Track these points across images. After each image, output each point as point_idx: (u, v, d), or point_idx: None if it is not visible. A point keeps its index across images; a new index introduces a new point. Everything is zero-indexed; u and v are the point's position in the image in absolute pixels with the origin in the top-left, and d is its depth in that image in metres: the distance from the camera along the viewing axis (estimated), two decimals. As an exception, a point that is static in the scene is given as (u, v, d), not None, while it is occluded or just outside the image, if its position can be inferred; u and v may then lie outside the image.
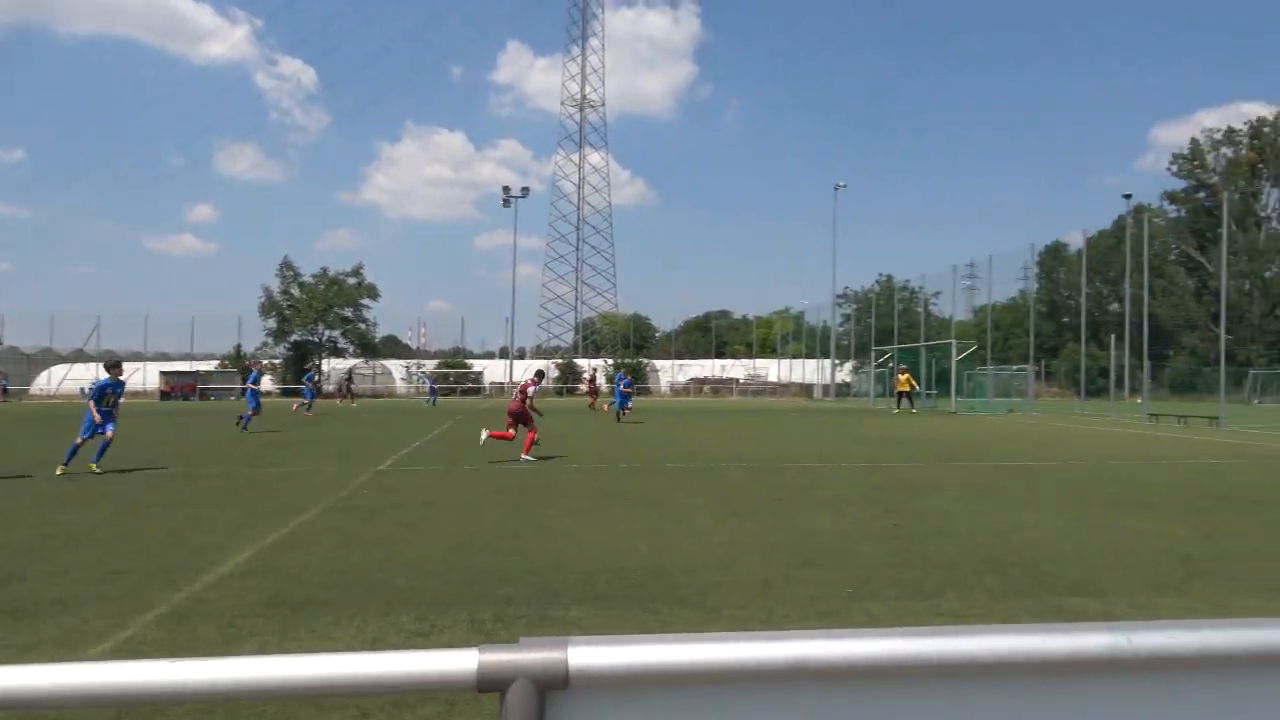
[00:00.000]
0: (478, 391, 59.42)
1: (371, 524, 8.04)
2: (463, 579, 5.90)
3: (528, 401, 14.36)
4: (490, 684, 1.22)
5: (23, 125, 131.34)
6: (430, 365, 62.25)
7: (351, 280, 56.90)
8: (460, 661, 1.22)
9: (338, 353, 57.91)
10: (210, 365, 57.46)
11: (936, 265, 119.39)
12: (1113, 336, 37.43)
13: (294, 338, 56.17)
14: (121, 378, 13.05)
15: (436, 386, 48.89)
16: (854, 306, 62.24)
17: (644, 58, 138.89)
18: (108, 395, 12.58)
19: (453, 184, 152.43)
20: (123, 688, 1.17)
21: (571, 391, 60.29)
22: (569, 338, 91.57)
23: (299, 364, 55.09)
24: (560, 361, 66.03)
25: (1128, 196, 46.60)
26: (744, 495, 10.09)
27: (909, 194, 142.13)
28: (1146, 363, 31.65)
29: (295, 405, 32.10)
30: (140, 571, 6.08)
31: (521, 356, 72.30)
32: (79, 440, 12.25)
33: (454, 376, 59.13)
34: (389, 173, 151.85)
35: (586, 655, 1.22)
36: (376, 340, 60.98)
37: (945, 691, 1.28)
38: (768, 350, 71.49)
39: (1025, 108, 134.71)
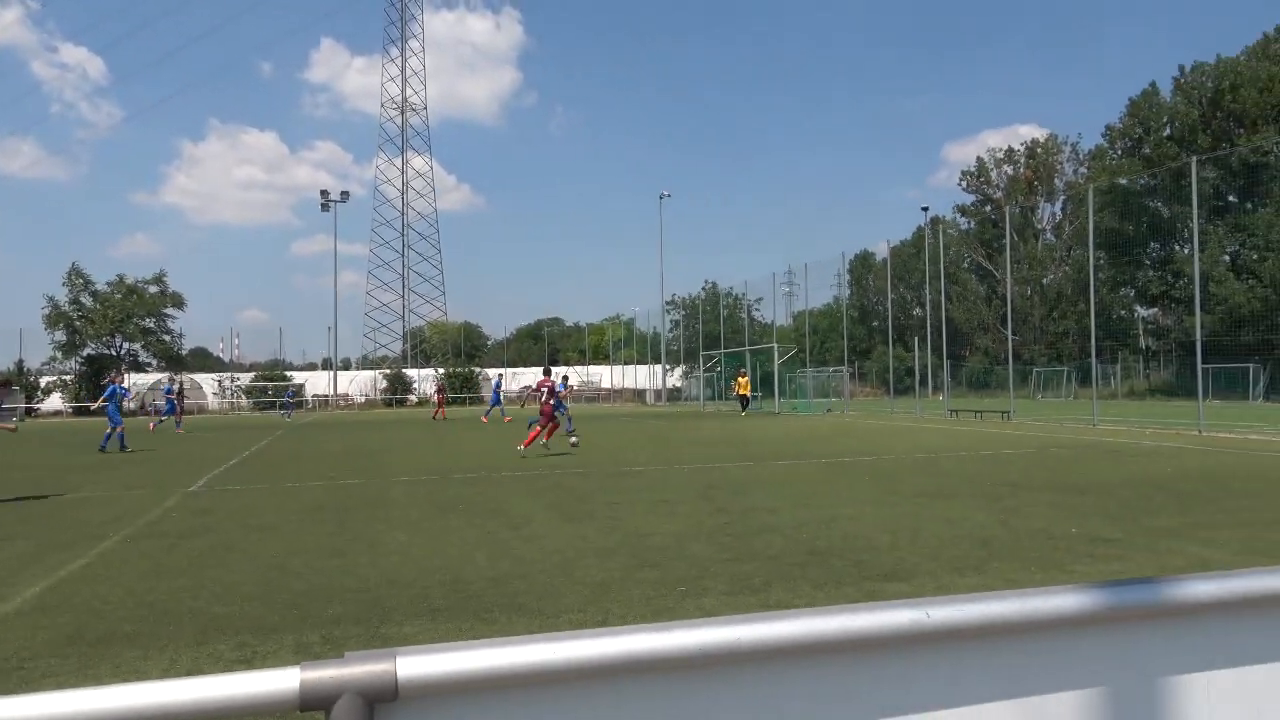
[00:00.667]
0: (299, 405, 56.56)
1: (182, 549, 7.49)
2: (286, 602, 5.60)
3: (552, 401, 15.89)
4: (314, 701, 1.18)
5: None
6: (246, 378, 58.70)
7: (153, 289, 52.81)
8: (281, 680, 1.17)
9: (138, 367, 53.48)
10: (-13, 383, 51.66)
11: (758, 272, 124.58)
12: (916, 339, 40.35)
13: (87, 351, 51.47)
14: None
15: (293, 400, 46.44)
16: (682, 313, 63.94)
17: (467, 62, 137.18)
18: None
19: (266, 187, 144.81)
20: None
21: (401, 403, 58.50)
22: (397, 347, 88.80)
23: (94, 380, 50.51)
24: (389, 372, 63.87)
25: (925, 209, 50.44)
26: (580, 500, 10.14)
27: (732, 202, 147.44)
28: (946, 363, 34.31)
29: (152, 425, 29.75)
30: (-97, 616, 5.40)
31: (346, 367, 69.50)
32: None
33: (272, 389, 56.02)
34: (192, 173, 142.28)
35: (415, 665, 1.20)
36: (183, 353, 56.76)
37: (766, 674, 1.35)
38: (600, 357, 72.17)
39: (837, 121, 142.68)
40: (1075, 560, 6.48)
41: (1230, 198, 46.46)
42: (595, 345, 76.25)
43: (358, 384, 61.59)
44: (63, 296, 50.89)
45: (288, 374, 62.03)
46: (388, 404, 57.47)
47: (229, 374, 60.55)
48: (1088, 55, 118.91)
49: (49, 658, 4.51)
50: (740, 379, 36.18)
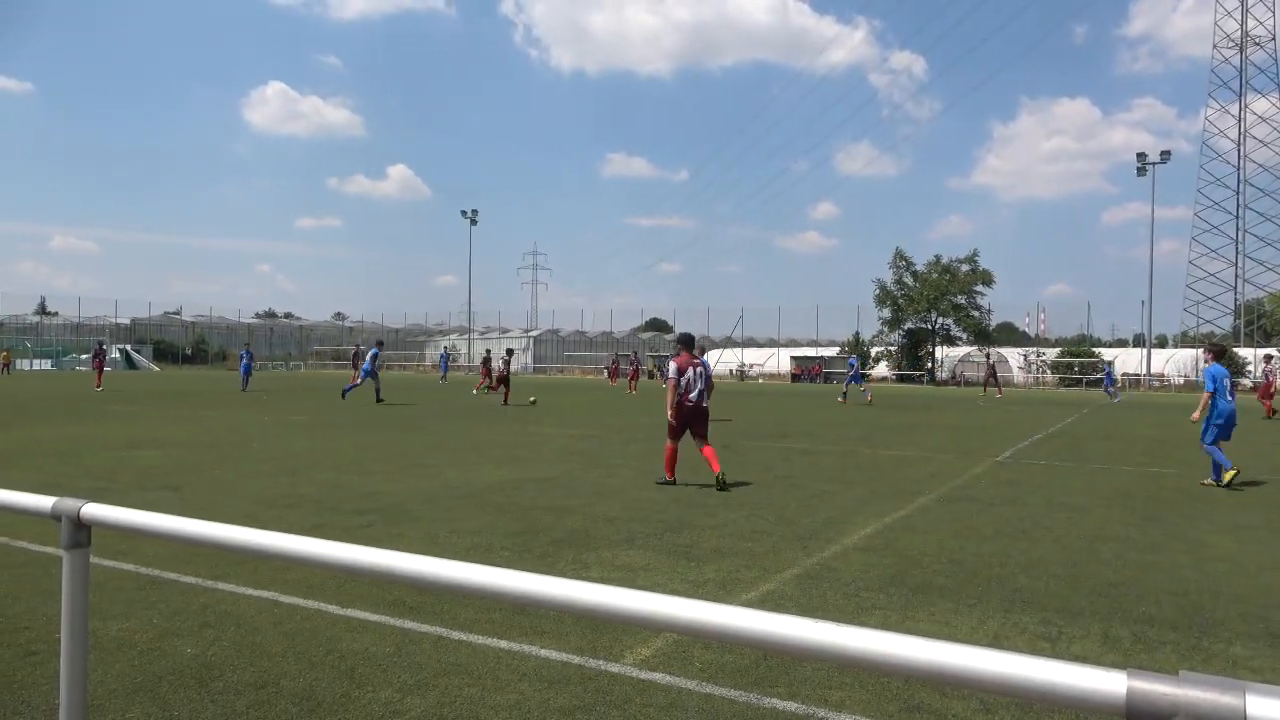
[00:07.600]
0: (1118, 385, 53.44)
1: (989, 516, 7.84)
2: (1091, 588, 5.40)
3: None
4: (1140, 716, 1.09)
5: (687, 149, 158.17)
6: (1051, 353, 58.24)
7: (965, 267, 56.06)
8: (1105, 682, 1.12)
9: (950, 340, 57.67)
10: (832, 351, 61.97)
11: None
12: None
13: (907, 326, 57.51)
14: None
15: (1113, 381, 37.12)
16: None
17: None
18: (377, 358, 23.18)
19: (1075, 156, 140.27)
20: (767, 635, 1.33)
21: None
22: (1225, 322, 77.30)
23: (913, 351, 56.36)
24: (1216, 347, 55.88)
25: None
26: None
27: None
28: None
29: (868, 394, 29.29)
30: (778, 534, 6.85)
31: (1162, 345, 63.40)
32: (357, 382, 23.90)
33: (1077, 366, 54.46)
34: (1002, 153, 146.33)
35: (1268, 708, 1.01)
36: (991, 328, 59.14)
37: None
38: None
39: None
40: None
41: None
42: None
43: (1174, 363, 55.62)
44: (889, 278, 57.81)
45: (1095, 350, 59.46)
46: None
47: (1034, 349, 60.88)
48: None
49: (876, 592, 5.20)
50: None
